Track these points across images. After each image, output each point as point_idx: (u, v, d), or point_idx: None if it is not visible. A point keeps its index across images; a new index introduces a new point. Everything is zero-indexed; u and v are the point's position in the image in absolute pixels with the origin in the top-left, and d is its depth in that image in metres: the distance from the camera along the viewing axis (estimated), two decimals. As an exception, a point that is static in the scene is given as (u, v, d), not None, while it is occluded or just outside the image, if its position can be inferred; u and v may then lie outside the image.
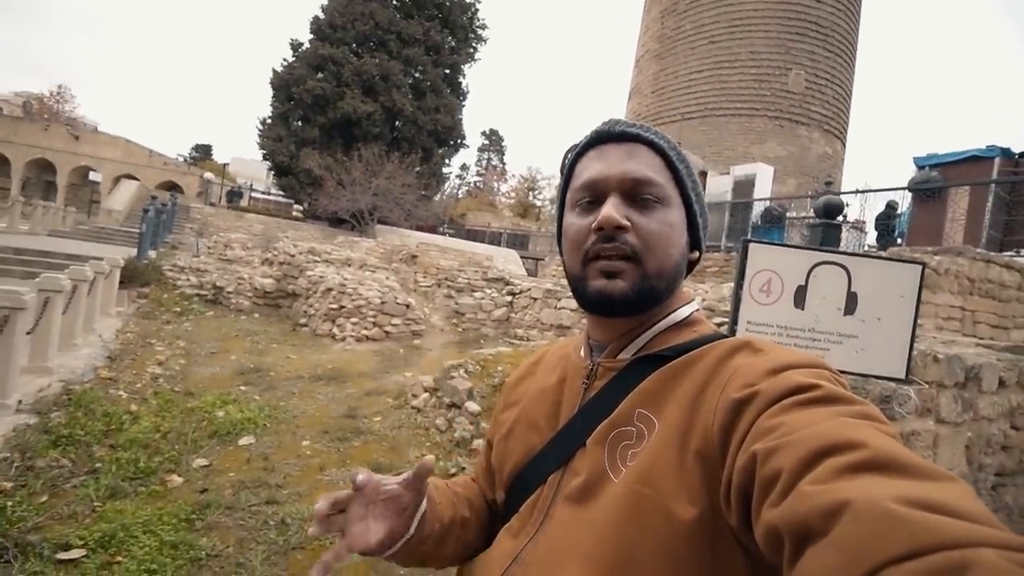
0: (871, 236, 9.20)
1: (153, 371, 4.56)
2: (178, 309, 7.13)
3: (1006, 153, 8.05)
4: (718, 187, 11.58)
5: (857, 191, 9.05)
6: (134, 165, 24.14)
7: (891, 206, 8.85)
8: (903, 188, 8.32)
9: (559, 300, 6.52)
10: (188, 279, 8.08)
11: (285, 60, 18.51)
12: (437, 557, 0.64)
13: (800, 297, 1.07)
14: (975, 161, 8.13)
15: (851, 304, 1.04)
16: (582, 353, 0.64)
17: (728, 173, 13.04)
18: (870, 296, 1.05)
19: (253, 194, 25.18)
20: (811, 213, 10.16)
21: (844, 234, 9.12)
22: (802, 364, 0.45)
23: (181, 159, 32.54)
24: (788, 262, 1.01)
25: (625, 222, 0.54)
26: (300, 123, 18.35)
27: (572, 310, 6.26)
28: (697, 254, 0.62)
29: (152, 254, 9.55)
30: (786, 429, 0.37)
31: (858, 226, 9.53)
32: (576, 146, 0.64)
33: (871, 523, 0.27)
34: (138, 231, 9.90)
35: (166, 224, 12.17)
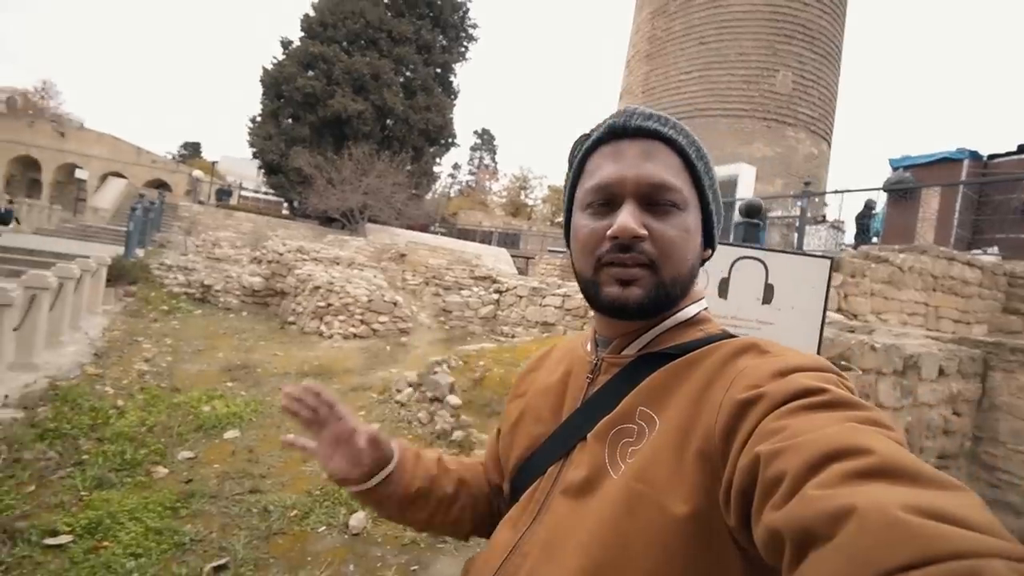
0: (849, 235, 9.43)
1: (140, 368, 4.62)
2: (165, 307, 7.16)
3: (974, 155, 8.30)
4: (704, 187, 11.75)
5: (836, 191, 9.26)
6: (121, 163, 23.92)
7: (868, 205, 9.09)
8: (878, 188, 8.54)
9: (544, 298, 6.64)
10: (176, 277, 8.10)
11: (275, 58, 18.45)
12: (408, 520, 0.69)
13: (724, 288, 1.19)
14: (945, 163, 8.38)
15: (768, 294, 1.15)
16: (588, 348, 0.64)
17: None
18: (785, 287, 1.17)
19: (243, 192, 25.06)
20: (792, 213, 10.38)
21: (823, 232, 9.34)
22: (809, 367, 0.44)
23: (169, 157, 32.27)
24: (714, 257, 1.15)
25: (643, 231, 0.52)
26: (290, 121, 18.31)
27: (556, 307, 6.39)
28: (710, 251, 0.60)
29: (140, 252, 9.54)
30: (791, 432, 0.36)
31: (836, 225, 9.76)
32: (587, 137, 0.60)
33: (878, 530, 0.26)
34: (125, 229, 9.88)
35: (154, 222, 12.13)
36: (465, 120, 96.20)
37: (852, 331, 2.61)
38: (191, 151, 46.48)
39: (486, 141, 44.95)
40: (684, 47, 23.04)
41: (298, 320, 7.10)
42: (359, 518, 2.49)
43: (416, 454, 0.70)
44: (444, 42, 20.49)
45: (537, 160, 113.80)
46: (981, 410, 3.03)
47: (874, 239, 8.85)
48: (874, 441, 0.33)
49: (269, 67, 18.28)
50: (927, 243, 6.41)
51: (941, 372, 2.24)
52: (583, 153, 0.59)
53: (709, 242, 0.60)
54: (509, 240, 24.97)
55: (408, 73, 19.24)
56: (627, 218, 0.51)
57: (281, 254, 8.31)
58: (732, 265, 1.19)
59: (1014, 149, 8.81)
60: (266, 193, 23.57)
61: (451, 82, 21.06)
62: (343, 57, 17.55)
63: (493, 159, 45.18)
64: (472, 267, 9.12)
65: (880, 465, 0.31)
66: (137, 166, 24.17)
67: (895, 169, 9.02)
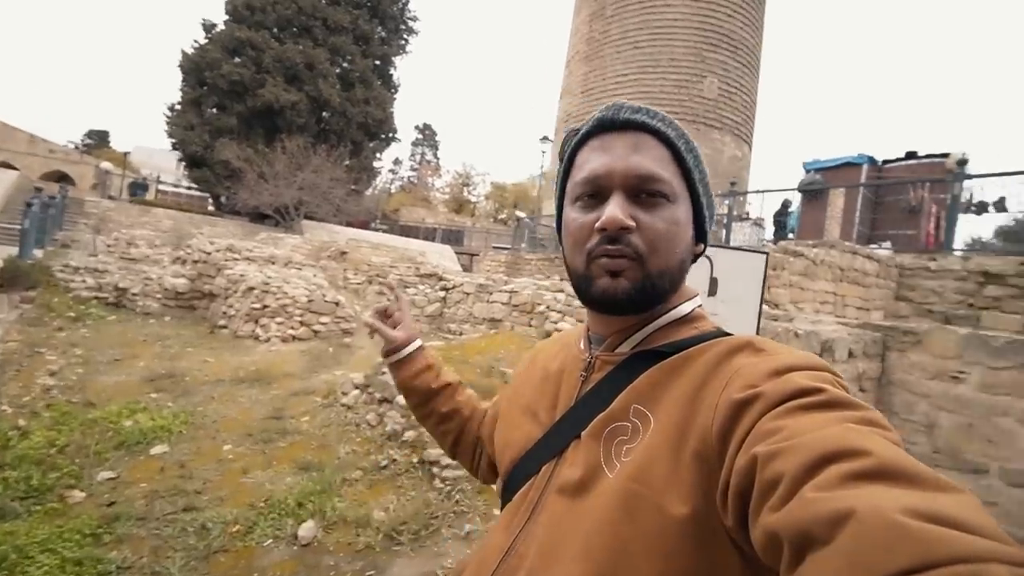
0: (769, 231, 10.24)
1: (44, 382, 4.14)
2: (73, 314, 6.44)
3: (872, 160, 9.32)
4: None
5: (758, 191, 10.02)
6: (11, 152, 21.20)
7: (785, 204, 9.90)
8: (794, 189, 9.34)
9: (491, 294, 6.66)
10: (84, 280, 7.31)
11: (196, 42, 17.08)
12: (417, 404, 0.85)
13: (672, 282, 1.28)
14: (849, 167, 9.34)
15: (713, 287, 1.25)
16: (581, 345, 0.64)
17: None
18: (728, 280, 1.28)
19: (161, 187, 23.00)
20: (719, 211, 11.08)
21: (747, 229, 10.07)
22: (805, 366, 0.44)
23: (72, 146, 28.98)
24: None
25: (630, 223, 0.52)
26: (215, 111, 17.04)
27: (503, 304, 6.43)
28: (702, 246, 0.60)
29: (38, 253, 8.51)
30: (788, 433, 0.36)
31: (758, 222, 10.56)
32: (576, 131, 0.60)
33: (877, 533, 0.26)
34: (19, 227, 8.77)
35: (55, 219, 10.86)
36: (406, 115, 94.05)
37: (776, 319, 2.85)
38: (97, 140, 41.99)
39: (428, 136, 44.21)
40: (620, 50, 23.89)
41: (230, 323, 6.65)
42: (308, 527, 2.40)
43: (430, 365, 0.85)
44: (383, 33, 19.91)
45: (480, 157, 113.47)
46: (881, 386, 3.44)
47: (790, 235, 9.67)
48: (872, 442, 0.33)
49: (189, 51, 16.89)
50: (834, 239, 7.09)
51: (850, 354, 2.51)
52: (573, 147, 0.59)
53: (701, 237, 0.59)
54: (453, 237, 24.78)
55: (345, 64, 18.52)
56: (614, 209, 0.51)
57: (209, 253, 7.74)
58: (679, 261, 1.27)
59: (903, 156, 9.97)
60: (188, 188, 21.77)
61: (391, 75, 20.52)
62: (274, 44, 16.58)
63: (435, 155, 44.55)
64: (417, 265, 8.97)
65: (878, 467, 0.31)
66: (31, 156, 21.52)
67: (808, 171, 9.90)
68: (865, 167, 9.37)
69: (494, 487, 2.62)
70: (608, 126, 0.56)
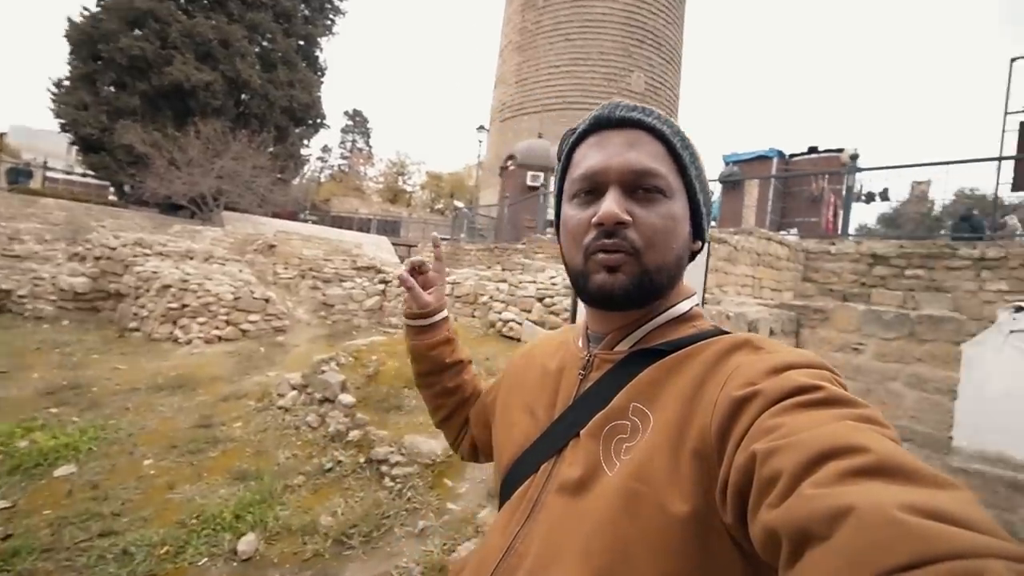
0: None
1: (-90, 402, 3.56)
2: (-58, 321, 5.57)
3: (780, 154, 10.20)
4: (577, 176, 12.63)
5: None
6: None
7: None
8: (715, 180, 10.02)
9: (433, 287, 6.56)
10: (-45, 282, 6.33)
11: (86, 9, 15.07)
12: (425, 373, 0.84)
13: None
14: (761, 160, 10.16)
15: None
16: (580, 343, 0.63)
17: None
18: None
19: (49, 174, 20.25)
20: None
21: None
22: (803, 364, 0.44)
23: (-74, 125, 24.67)
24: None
25: (626, 217, 0.52)
26: (113, 89, 15.20)
27: (446, 295, 6.36)
28: (700, 243, 0.59)
29: None
30: (787, 430, 0.36)
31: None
32: (574, 131, 0.61)
33: (876, 530, 0.26)
34: None
35: (-90, 212, 9.23)
36: (335, 100, 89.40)
37: (706, 303, 3.06)
38: (-39, 119, 36.06)
39: (359, 123, 42.31)
40: (552, 42, 24.16)
41: (143, 325, 6.05)
42: (249, 541, 2.26)
43: (450, 339, 0.85)
44: (307, 12, 18.69)
45: (414, 145, 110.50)
46: (795, 361, 3.76)
47: (713, 223, 10.38)
48: (870, 439, 0.33)
49: (78, 20, 14.91)
50: (751, 226, 7.69)
51: (771, 332, 2.76)
52: (570, 145, 0.60)
53: (699, 234, 0.59)
54: (389, 228, 24.06)
55: (265, 43, 17.20)
56: (610, 204, 0.52)
57: (114, 248, 6.96)
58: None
59: (806, 150, 10.99)
60: (84, 175, 19.37)
61: (317, 57, 19.35)
62: (181, 17, 15.02)
63: (367, 143, 42.77)
64: (353, 257, 8.62)
65: (877, 463, 0.31)
66: None
67: (727, 164, 10.64)
68: (775, 160, 10.23)
69: (447, 482, 2.58)
70: (604, 124, 0.56)
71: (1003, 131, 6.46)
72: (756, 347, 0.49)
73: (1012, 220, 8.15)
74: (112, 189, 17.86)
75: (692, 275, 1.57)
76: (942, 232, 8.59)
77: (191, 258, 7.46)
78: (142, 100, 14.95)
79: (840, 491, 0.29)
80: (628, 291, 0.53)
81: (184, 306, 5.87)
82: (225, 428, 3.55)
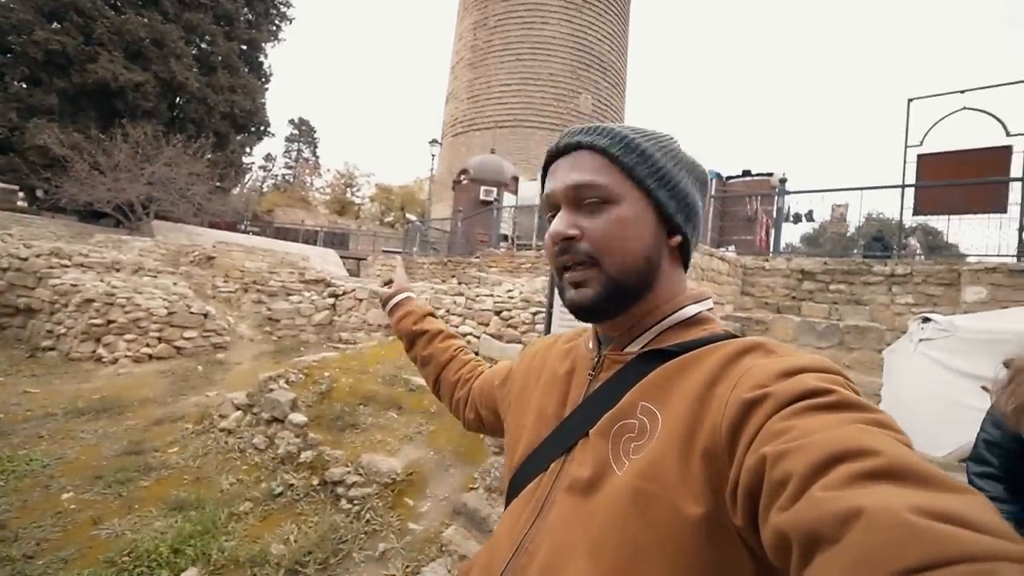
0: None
1: None
2: None
3: (719, 175, 10.91)
4: (528, 191, 12.82)
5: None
6: None
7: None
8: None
9: (387, 301, 6.42)
10: None
11: (-7, -3, 13.73)
12: (407, 348, 1.00)
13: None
14: (704, 181, 10.83)
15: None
16: (590, 345, 0.64)
17: (536, 179, 14.50)
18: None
19: (-59, 175, 18.01)
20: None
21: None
22: (815, 368, 0.44)
23: None
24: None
25: (571, 231, 0.55)
26: (25, 85, 13.87)
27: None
28: (679, 238, 0.58)
29: None
30: (798, 433, 0.36)
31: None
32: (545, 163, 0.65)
33: (886, 532, 0.26)
34: None
35: None
36: (281, 109, 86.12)
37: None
38: None
39: (305, 132, 40.93)
40: (503, 61, 24.70)
41: (59, 344, 5.48)
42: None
43: (410, 312, 1.00)
44: (250, 16, 18.05)
45: (364, 157, 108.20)
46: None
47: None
48: (881, 442, 0.33)
49: (-17, 8, 13.54)
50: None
51: (719, 344, 2.92)
52: (543, 172, 0.64)
53: (674, 230, 0.58)
54: (337, 240, 23.29)
55: (204, 45, 16.39)
56: (556, 223, 0.56)
57: (24, 259, 6.28)
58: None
59: (740, 173, 11.83)
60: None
61: (260, 63, 18.68)
62: (109, 13, 14.03)
63: (314, 152, 41.41)
64: (300, 270, 8.28)
65: (887, 466, 0.30)
66: None
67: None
68: (714, 181, 10.91)
69: (408, 501, 2.53)
70: (555, 154, 0.61)
71: (904, 162, 7.26)
72: (768, 351, 0.49)
73: (912, 241, 9.18)
74: (21, 194, 16.15)
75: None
76: (854, 252, 9.47)
77: (118, 270, 6.87)
78: (60, 98, 13.74)
79: (850, 494, 0.29)
80: (596, 303, 0.55)
81: (110, 322, 5.38)
82: (159, 454, 3.27)
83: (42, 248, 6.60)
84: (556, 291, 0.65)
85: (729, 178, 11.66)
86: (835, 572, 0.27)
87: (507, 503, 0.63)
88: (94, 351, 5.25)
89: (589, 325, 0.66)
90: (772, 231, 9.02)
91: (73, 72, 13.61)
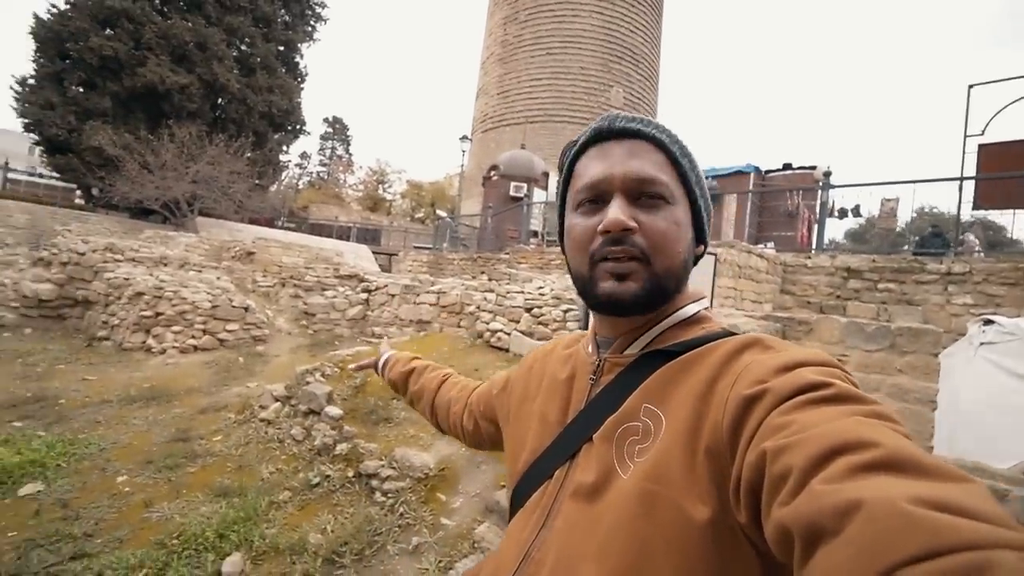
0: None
1: None
2: None
3: (757, 170, 10.54)
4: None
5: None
6: None
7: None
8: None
9: (418, 295, 6.49)
10: (-94, 288, 5.96)
11: (54, 7, 14.57)
12: (400, 394, 1.05)
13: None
14: (739, 175, 10.48)
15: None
16: (589, 349, 0.64)
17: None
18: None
19: (11, 175, 19.35)
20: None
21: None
22: (814, 362, 0.44)
23: None
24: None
25: (632, 223, 0.53)
26: (82, 89, 14.68)
27: (431, 305, 6.30)
28: (702, 248, 0.61)
29: None
30: (797, 427, 0.36)
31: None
32: (575, 143, 0.62)
33: (886, 523, 0.26)
34: None
35: None
36: (315, 107, 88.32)
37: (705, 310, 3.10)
38: (-87, 115, 34.28)
39: (338, 130, 41.88)
40: (534, 55, 24.52)
41: (113, 334, 5.80)
42: (234, 562, 2.16)
43: (397, 360, 1.07)
44: (287, 17, 18.50)
45: (395, 154, 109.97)
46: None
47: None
48: (880, 434, 0.33)
49: (45, 17, 14.40)
50: (732, 239, 7.88)
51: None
52: (572, 157, 0.61)
53: (701, 238, 0.60)
54: (369, 236, 23.81)
55: (244, 47, 16.93)
56: (616, 211, 0.53)
57: (82, 254, 6.67)
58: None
59: (780, 167, 11.39)
60: (48, 177, 18.58)
61: (297, 63, 19.14)
62: (156, 18, 14.67)
63: (347, 150, 42.34)
64: (335, 265, 8.48)
65: (886, 458, 0.31)
66: None
67: (705, 178, 10.91)
68: (752, 175, 10.56)
69: (441, 496, 2.55)
70: (605, 135, 0.58)
71: (963, 152, 6.83)
72: (766, 346, 0.49)
73: (970, 237, 8.61)
74: (79, 192, 17.18)
75: (700, 286, 1.60)
76: (904, 248, 8.97)
77: (165, 264, 7.20)
78: (113, 101, 14.48)
79: (850, 486, 0.29)
80: (638, 298, 0.54)
81: (158, 314, 5.65)
82: (204, 442, 3.41)
83: (97, 243, 6.99)
84: (579, 283, 0.59)
85: (768, 172, 11.24)
86: (837, 564, 0.27)
87: (512, 512, 0.63)
88: (144, 342, 5.53)
89: (587, 331, 0.66)
90: (815, 227, 8.64)
91: (124, 76, 14.32)
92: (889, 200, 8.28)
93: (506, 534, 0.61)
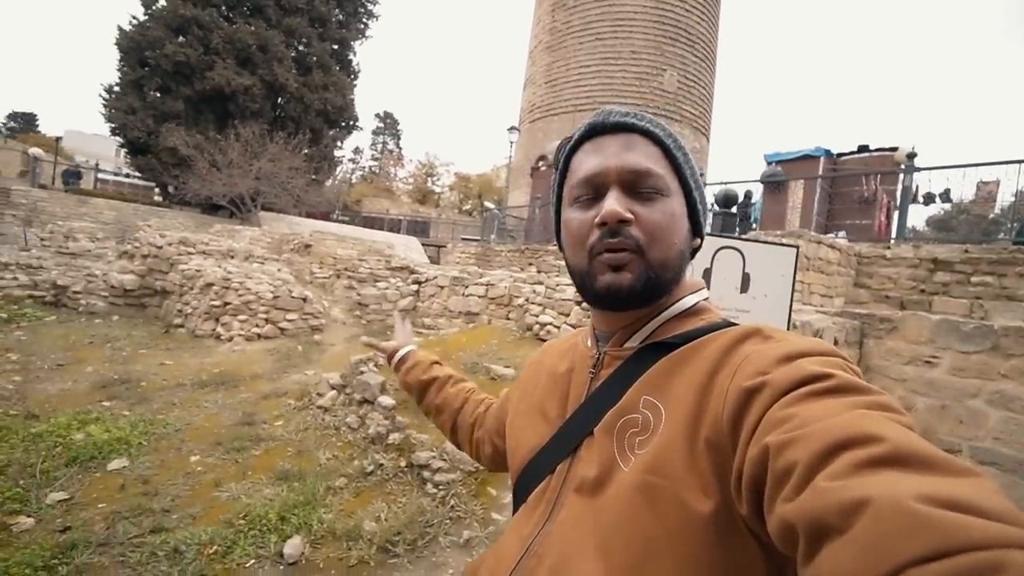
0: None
1: (-25, 393, 3.73)
2: (3, 315, 5.85)
3: (828, 153, 9.73)
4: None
5: (721, 183, 10.25)
6: (-81, 136, 19.01)
7: (747, 195, 10.19)
8: (756, 180, 9.62)
9: (466, 287, 6.52)
10: (16, 278, 6.65)
11: (135, 18, 15.79)
12: (417, 400, 0.99)
13: (707, 278, 1.23)
14: (807, 159, 9.70)
15: (745, 283, 1.20)
16: (589, 343, 0.64)
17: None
18: (759, 275, 1.23)
19: (100, 175, 21.29)
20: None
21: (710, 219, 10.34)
22: (815, 352, 0.43)
23: (-9, 130, 26.37)
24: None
25: (628, 215, 0.53)
26: (159, 94, 15.87)
27: (480, 297, 6.31)
28: (699, 240, 0.61)
29: (-41, 248, 7.69)
30: (799, 421, 0.35)
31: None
32: (570, 139, 0.62)
33: (893, 521, 0.26)
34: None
35: (-24, 211, 9.83)
36: (367, 102, 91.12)
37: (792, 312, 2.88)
38: (24, 124, 38.50)
39: (389, 125, 43.00)
40: (582, 41, 23.92)
41: (187, 322, 6.22)
42: (295, 544, 2.23)
43: (418, 363, 0.98)
44: (341, 16, 19.10)
45: (443, 146, 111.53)
46: (855, 372, 3.53)
47: (754, 225, 9.98)
48: (884, 428, 0.32)
49: (127, 28, 15.62)
50: (801, 229, 7.35)
51: (835, 342, 2.57)
52: (567, 153, 0.62)
53: (697, 231, 0.60)
54: (418, 228, 24.31)
55: (301, 47, 17.66)
56: (612, 203, 0.53)
57: (160, 247, 7.20)
58: (714, 255, 1.22)
59: (855, 149, 10.46)
60: (131, 176, 20.28)
61: (350, 60, 19.76)
62: (223, 24, 15.57)
63: (397, 144, 43.43)
64: (387, 257, 8.69)
65: (892, 453, 0.30)
66: (-57, 140, 19.38)
67: (769, 163, 10.21)
68: (822, 159, 9.77)
69: (491, 491, 2.50)
70: (600, 130, 0.58)
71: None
72: (766, 336, 0.48)
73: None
74: (157, 190, 18.64)
75: (778, 283, 1.46)
76: (1000, 236, 8.03)
77: (232, 257, 7.65)
78: (186, 104, 15.54)
79: (855, 483, 0.29)
80: (634, 289, 0.53)
81: (226, 304, 6.00)
82: (267, 426, 3.57)
83: (173, 237, 7.52)
84: (578, 278, 0.58)
85: (840, 155, 10.36)
86: (842, 563, 0.27)
87: (515, 507, 0.63)
88: (214, 329, 5.89)
89: (586, 327, 0.67)
90: (894, 214, 7.90)
91: (195, 80, 15.32)
92: (988, 183, 7.41)
93: (508, 528, 0.61)
